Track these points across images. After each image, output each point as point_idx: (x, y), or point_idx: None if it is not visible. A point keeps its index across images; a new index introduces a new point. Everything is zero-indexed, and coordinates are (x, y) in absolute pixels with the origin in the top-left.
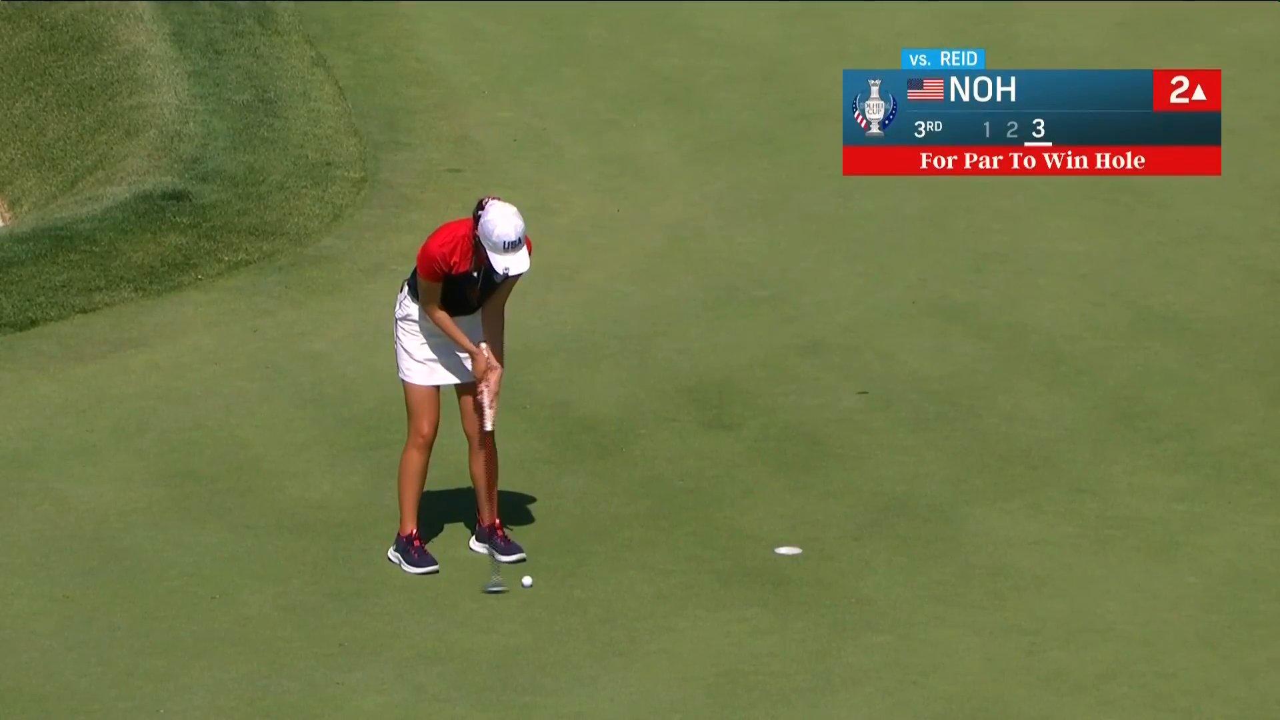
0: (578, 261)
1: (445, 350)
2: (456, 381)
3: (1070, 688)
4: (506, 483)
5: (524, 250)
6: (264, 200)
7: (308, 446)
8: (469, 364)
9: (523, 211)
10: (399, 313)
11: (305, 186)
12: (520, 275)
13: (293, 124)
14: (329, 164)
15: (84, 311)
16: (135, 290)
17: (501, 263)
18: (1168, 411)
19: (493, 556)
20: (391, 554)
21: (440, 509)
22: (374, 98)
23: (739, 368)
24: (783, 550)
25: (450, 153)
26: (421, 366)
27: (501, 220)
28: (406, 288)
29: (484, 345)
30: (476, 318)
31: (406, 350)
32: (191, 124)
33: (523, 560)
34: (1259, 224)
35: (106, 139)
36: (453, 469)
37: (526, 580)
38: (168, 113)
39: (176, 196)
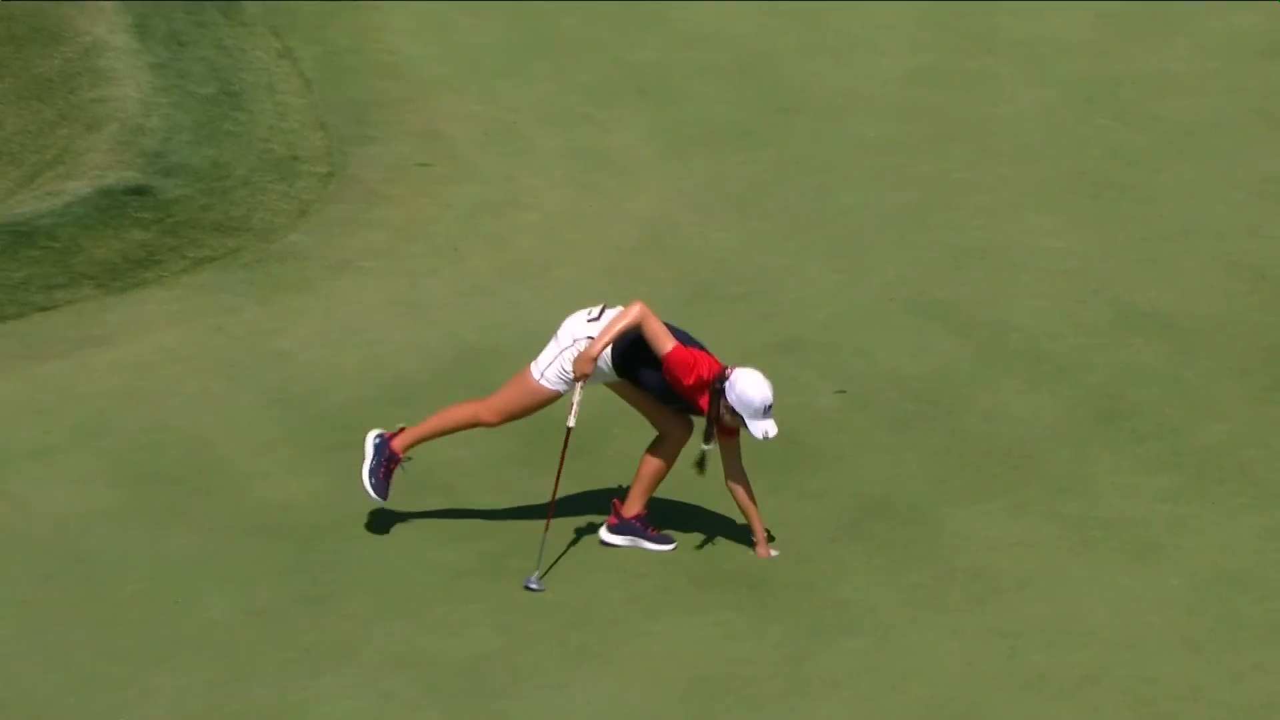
0: (549, 258)
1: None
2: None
3: (1052, 692)
4: (476, 484)
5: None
6: (229, 195)
7: (273, 447)
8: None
9: (494, 208)
10: (581, 330)
11: (271, 181)
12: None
13: (258, 117)
14: (295, 158)
15: (44, 309)
16: (97, 287)
17: (760, 428)
18: (1151, 410)
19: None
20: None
21: (408, 514)
22: (342, 91)
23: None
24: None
25: (419, 147)
26: (565, 383)
27: (755, 384)
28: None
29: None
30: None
31: (564, 366)
32: (154, 117)
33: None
34: (1244, 219)
35: (67, 133)
36: (435, 484)
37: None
38: (130, 106)
39: (139, 191)
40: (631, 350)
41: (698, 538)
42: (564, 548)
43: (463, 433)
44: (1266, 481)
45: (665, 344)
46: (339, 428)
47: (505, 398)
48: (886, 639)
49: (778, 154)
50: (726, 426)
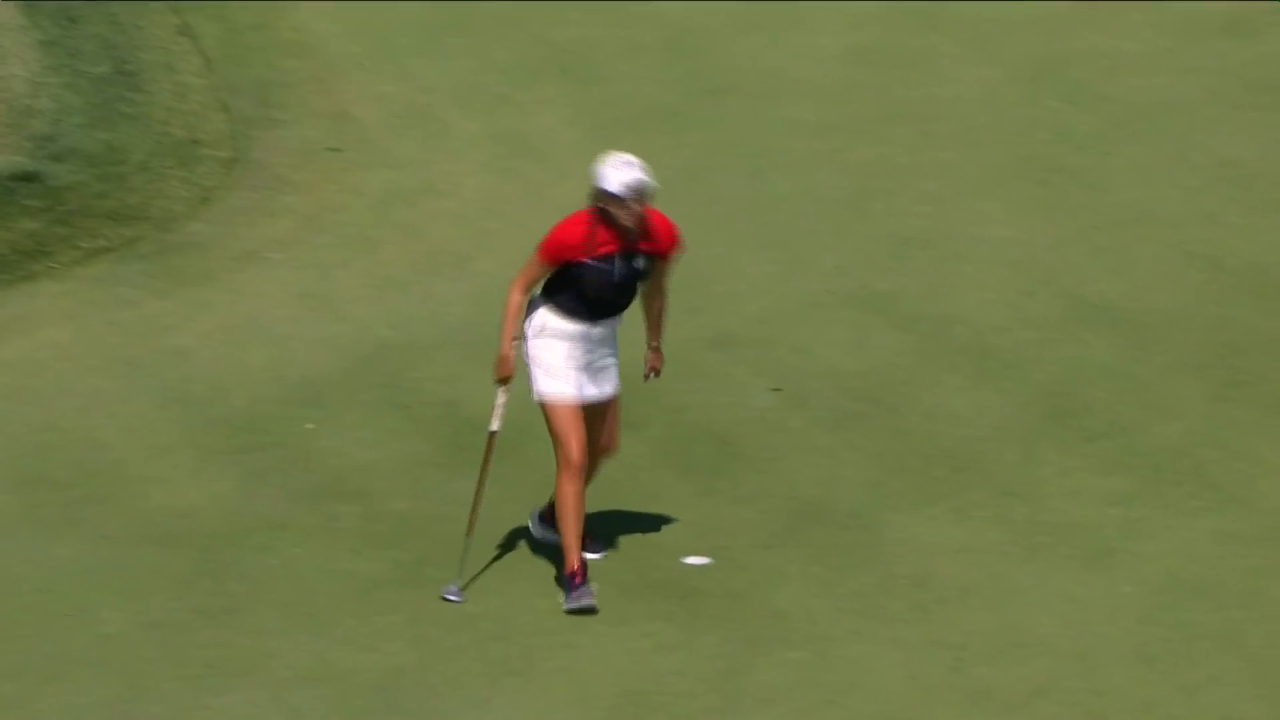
0: (468, 248)
1: (586, 363)
2: (598, 396)
3: (999, 707)
4: (390, 488)
5: (638, 167)
6: (124, 182)
7: (172, 450)
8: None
9: (408, 195)
10: (530, 328)
11: (170, 167)
12: (677, 246)
13: (156, 98)
14: (196, 142)
15: None
16: None
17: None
18: (1102, 408)
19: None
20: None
21: (317, 521)
22: (245, 70)
23: (643, 363)
24: (690, 560)
25: (328, 130)
26: (560, 380)
27: (615, 163)
28: (539, 299)
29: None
30: (611, 327)
31: (541, 364)
32: (43, 98)
33: (589, 611)
34: (1199, 206)
35: None
36: (347, 489)
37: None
38: (17, 86)
39: (27, 178)
40: (549, 291)
41: (624, 545)
42: (485, 556)
43: (374, 434)
44: (1223, 483)
45: (535, 257)
46: (243, 430)
47: (554, 439)
48: (825, 651)
49: (708, 137)
50: (633, 232)
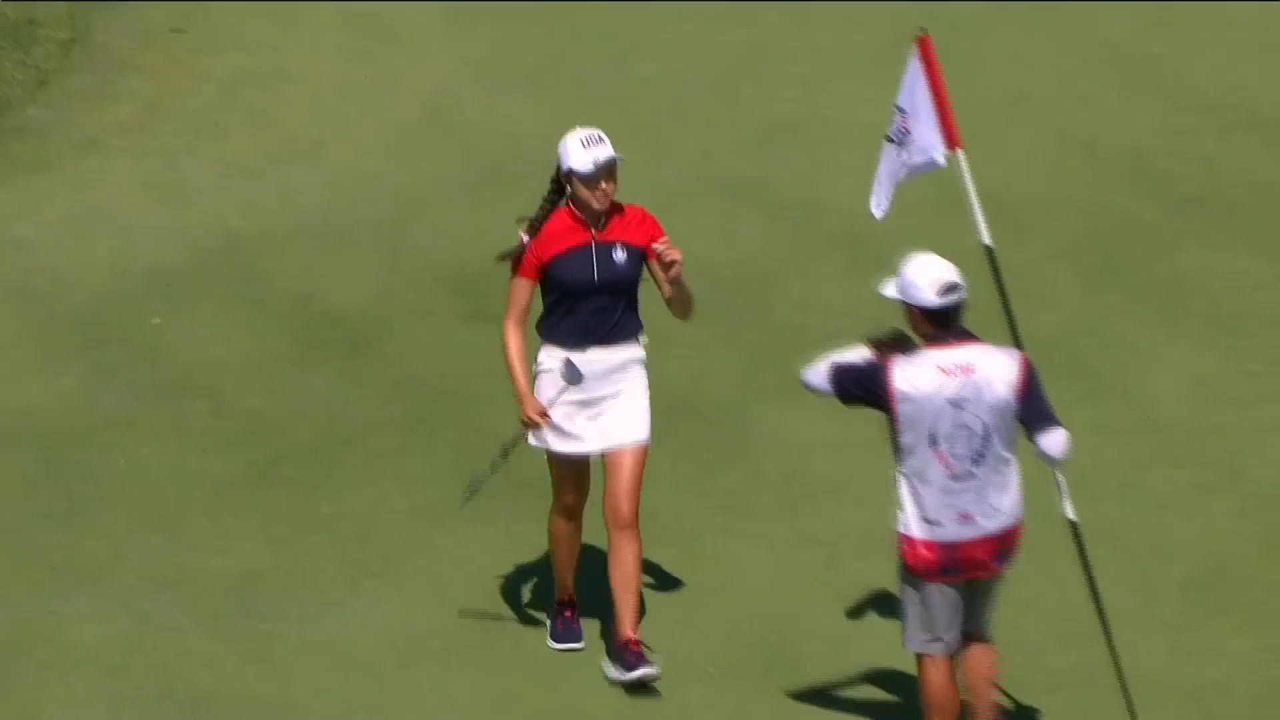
0: (321, 135)
1: (583, 404)
2: (591, 449)
3: (870, 603)
4: (242, 385)
5: (607, 143)
6: None
7: (13, 345)
8: (585, 428)
9: (258, 79)
10: (536, 366)
11: (4, 48)
12: (657, 233)
13: None
14: (31, 22)
15: None
16: None
17: (589, 166)
18: (977, 298)
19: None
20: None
21: (167, 419)
22: None
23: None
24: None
25: (172, 11)
26: (557, 430)
27: (582, 139)
28: (539, 333)
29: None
30: (612, 357)
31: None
32: None
33: (652, 679)
34: (1074, 88)
35: None
36: (196, 385)
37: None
38: None
39: None
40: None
41: (487, 443)
42: (342, 454)
43: (224, 328)
44: (1098, 372)
45: (511, 277)
46: (87, 324)
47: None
48: (694, 549)
49: (571, 21)
50: (603, 216)
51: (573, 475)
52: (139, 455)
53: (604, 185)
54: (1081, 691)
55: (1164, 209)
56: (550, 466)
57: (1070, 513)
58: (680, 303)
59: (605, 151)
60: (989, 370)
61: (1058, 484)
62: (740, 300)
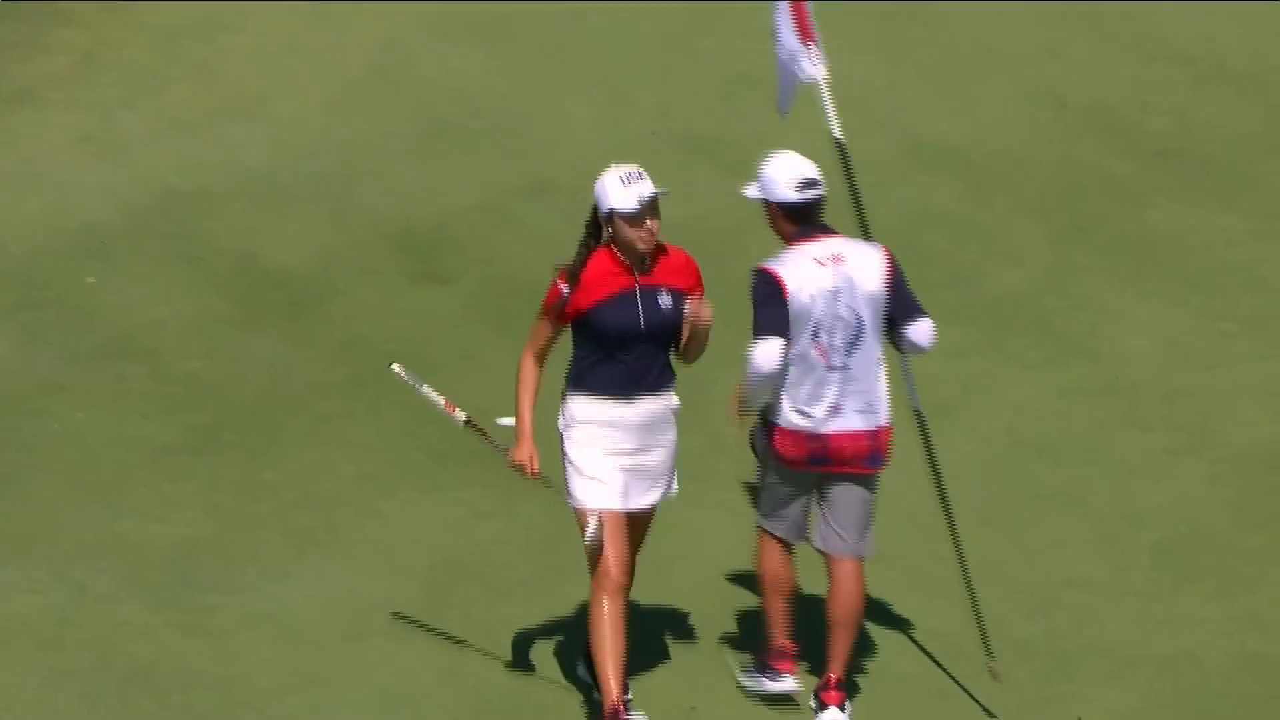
0: (263, 89)
1: (631, 460)
2: (644, 505)
3: (809, 570)
4: (181, 348)
5: (647, 179)
6: None
7: None
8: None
9: (197, 30)
10: (560, 424)
11: None
12: (698, 279)
13: None
14: None
15: None
16: None
17: (632, 209)
18: (942, 256)
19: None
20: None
21: (103, 383)
22: None
23: (454, 212)
24: (507, 421)
25: None
26: (596, 483)
27: (622, 176)
28: (566, 390)
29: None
30: (657, 410)
31: (574, 463)
32: None
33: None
34: (1043, 41)
35: None
36: (134, 348)
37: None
38: None
39: None
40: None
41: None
42: (284, 421)
43: (162, 289)
44: (1067, 332)
45: (539, 315)
46: (21, 284)
47: (588, 552)
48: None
49: None
50: (647, 259)
51: (618, 538)
52: (74, 420)
53: (649, 224)
54: (1047, 661)
55: (1135, 164)
56: (581, 527)
57: (918, 404)
58: (693, 354)
59: (648, 187)
60: (858, 262)
61: (906, 376)
62: (697, 258)
